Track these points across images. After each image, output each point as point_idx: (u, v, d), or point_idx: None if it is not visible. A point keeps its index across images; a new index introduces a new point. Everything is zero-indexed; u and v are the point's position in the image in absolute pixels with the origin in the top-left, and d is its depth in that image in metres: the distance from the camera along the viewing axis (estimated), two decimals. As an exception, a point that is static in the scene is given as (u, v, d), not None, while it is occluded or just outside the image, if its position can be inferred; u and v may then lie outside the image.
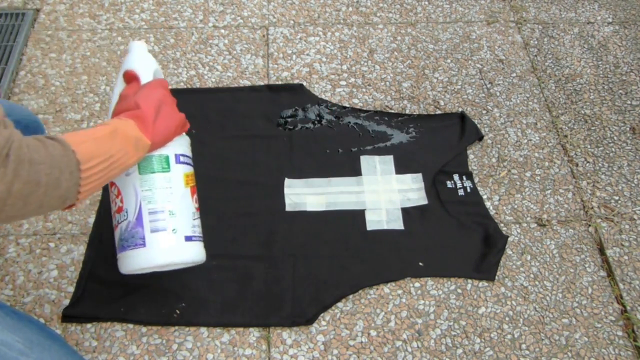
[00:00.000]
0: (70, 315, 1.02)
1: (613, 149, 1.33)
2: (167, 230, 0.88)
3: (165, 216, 0.89)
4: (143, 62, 0.96)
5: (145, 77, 0.93)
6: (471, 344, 1.03)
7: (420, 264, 1.12)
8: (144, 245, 0.87)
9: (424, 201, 1.20)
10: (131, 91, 0.88)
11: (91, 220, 1.14)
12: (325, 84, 1.39)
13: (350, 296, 1.07)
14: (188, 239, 0.90)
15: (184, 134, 0.96)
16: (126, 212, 0.90)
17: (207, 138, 1.27)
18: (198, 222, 0.95)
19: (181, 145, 0.95)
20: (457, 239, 1.16)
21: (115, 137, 0.77)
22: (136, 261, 0.89)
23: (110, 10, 1.52)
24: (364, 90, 1.39)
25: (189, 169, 0.95)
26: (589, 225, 1.20)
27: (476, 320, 1.06)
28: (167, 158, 0.91)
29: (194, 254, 0.92)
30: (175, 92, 1.33)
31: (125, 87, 0.92)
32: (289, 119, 1.31)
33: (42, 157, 0.64)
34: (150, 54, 1.00)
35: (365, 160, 1.26)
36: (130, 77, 0.94)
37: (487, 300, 1.09)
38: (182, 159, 0.94)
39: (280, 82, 1.39)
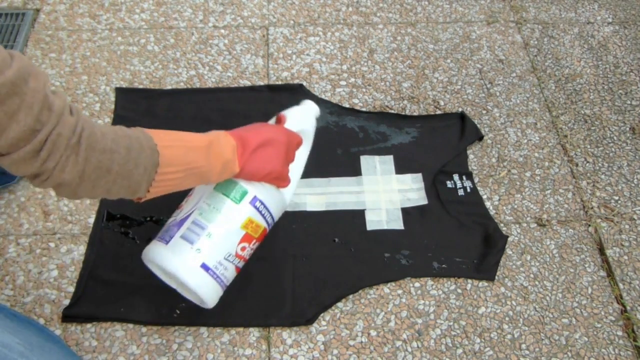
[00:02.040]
0: (70, 315, 1.02)
1: (613, 149, 1.33)
2: (193, 245, 0.84)
3: (202, 233, 0.85)
4: (302, 117, 0.98)
5: (293, 126, 0.96)
6: (471, 344, 1.03)
7: (420, 264, 1.12)
8: (166, 243, 0.85)
9: (424, 201, 1.20)
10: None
11: (91, 220, 1.14)
12: (325, 84, 1.39)
13: (350, 296, 1.07)
14: (205, 267, 0.84)
15: (282, 198, 0.93)
16: (180, 211, 0.89)
17: (207, 138, 1.27)
18: (230, 269, 0.89)
19: (269, 195, 0.90)
20: (457, 239, 1.16)
21: (208, 151, 0.77)
22: (149, 253, 0.87)
23: (110, 10, 1.52)
24: (364, 90, 1.39)
25: (259, 220, 0.90)
26: (589, 225, 1.20)
27: (476, 320, 1.06)
28: (244, 192, 0.87)
29: (200, 284, 0.84)
30: (176, 92, 1.34)
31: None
32: None
33: (118, 147, 0.66)
34: (315, 119, 1.03)
35: (365, 160, 1.26)
36: (278, 120, 0.97)
37: (487, 300, 1.09)
38: (258, 204, 0.89)
39: (280, 82, 1.39)
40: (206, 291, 0.86)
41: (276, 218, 0.95)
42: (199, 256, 0.84)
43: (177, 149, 0.73)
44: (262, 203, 0.89)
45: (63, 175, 0.62)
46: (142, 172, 0.68)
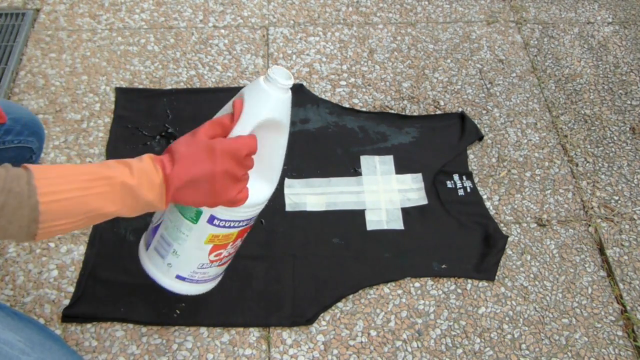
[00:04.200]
0: (70, 315, 1.02)
1: (613, 149, 1.33)
2: (164, 259, 0.86)
3: (169, 249, 0.85)
4: (267, 102, 0.74)
5: (247, 122, 0.74)
6: (471, 344, 1.03)
7: (420, 263, 1.12)
8: (146, 249, 0.88)
9: (424, 201, 1.20)
10: (211, 130, 0.75)
11: (91, 220, 1.14)
12: (325, 84, 1.39)
13: (350, 296, 1.07)
14: (180, 278, 0.87)
15: (250, 202, 0.77)
16: (158, 214, 0.86)
17: (207, 138, 1.27)
18: (209, 271, 0.87)
19: (227, 211, 0.78)
20: (457, 239, 1.16)
21: (122, 194, 0.67)
22: (139, 251, 0.89)
23: (110, 10, 1.52)
24: (364, 90, 1.39)
25: (224, 232, 0.81)
26: (589, 225, 1.20)
27: (476, 320, 1.06)
28: (199, 213, 0.78)
29: (182, 289, 0.88)
30: (176, 92, 1.34)
31: (220, 117, 0.77)
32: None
33: None
34: (288, 97, 0.75)
35: (365, 160, 1.26)
36: (235, 108, 0.76)
37: (487, 300, 1.09)
38: (217, 222, 0.79)
39: (280, 82, 1.39)
40: (191, 291, 0.89)
41: (251, 217, 0.83)
42: (172, 269, 0.86)
43: (69, 201, 0.64)
44: (220, 220, 0.79)
45: None
46: (16, 228, 0.63)
